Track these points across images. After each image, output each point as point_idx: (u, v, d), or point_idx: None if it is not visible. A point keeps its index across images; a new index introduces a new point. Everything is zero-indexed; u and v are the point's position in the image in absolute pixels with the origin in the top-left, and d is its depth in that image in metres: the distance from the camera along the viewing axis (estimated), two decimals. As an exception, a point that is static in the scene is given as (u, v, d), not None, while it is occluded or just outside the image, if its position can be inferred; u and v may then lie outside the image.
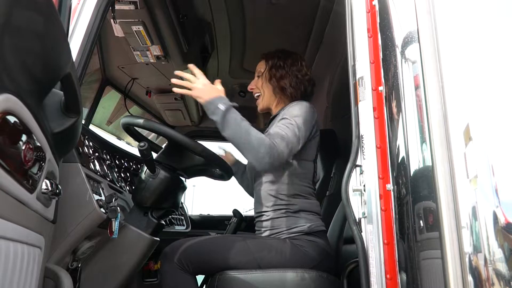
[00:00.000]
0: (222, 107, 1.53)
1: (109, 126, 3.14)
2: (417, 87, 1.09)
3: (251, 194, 2.00)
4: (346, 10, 1.38)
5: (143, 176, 1.68)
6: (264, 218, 1.74)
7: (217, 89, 1.61)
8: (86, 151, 1.49)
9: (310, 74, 1.91)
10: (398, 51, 1.17)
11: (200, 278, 1.77)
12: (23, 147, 0.75)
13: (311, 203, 1.75)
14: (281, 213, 1.69)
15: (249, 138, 1.51)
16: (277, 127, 1.63)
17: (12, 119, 0.71)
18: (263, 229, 1.73)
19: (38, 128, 0.84)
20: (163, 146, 1.86)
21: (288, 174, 1.73)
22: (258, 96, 1.92)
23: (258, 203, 1.79)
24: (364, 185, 1.20)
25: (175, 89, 1.61)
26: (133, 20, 2.10)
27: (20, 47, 0.71)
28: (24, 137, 0.77)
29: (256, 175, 1.82)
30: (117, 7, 1.97)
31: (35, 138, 0.83)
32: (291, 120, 1.65)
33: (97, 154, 1.59)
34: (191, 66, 1.65)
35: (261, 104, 1.92)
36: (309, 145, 1.74)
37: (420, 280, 0.99)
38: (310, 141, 1.75)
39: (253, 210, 1.87)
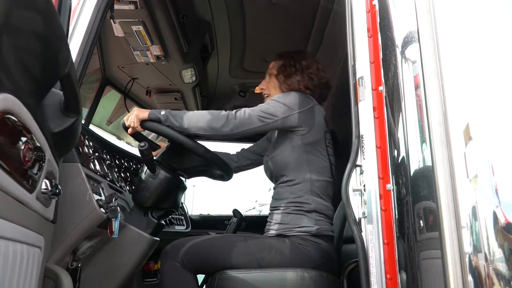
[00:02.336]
0: (163, 112, 1.68)
1: (109, 126, 3.14)
2: (417, 87, 1.09)
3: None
4: (346, 10, 1.38)
5: (143, 176, 1.68)
6: (276, 211, 1.75)
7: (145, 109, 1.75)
8: (86, 151, 1.49)
9: (326, 78, 1.91)
10: (398, 51, 1.17)
11: (200, 278, 1.77)
12: (22, 147, 0.75)
13: (326, 205, 1.74)
14: (293, 209, 1.70)
15: (200, 113, 1.65)
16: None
17: (11, 119, 0.71)
18: (273, 221, 1.74)
19: (37, 128, 0.84)
20: (163, 146, 1.87)
21: (307, 170, 1.73)
22: (267, 96, 1.91)
23: (275, 200, 1.79)
24: (364, 185, 1.20)
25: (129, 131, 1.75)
26: (133, 20, 2.10)
27: (19, 46, 0.71)
28: (23, 137, 0.77)
29: (277, 175, 1.81)
30: (117, 7, 1.97)
31: (34, 138, 0.83)
32: (271, 100, 1.74)
33: (97, 154, 1.59)
34: None
35: None
36: (307, 134, 1.74)
37: (420, 280, 0.99)
38: (309, 129, 1.74)
39: (269, 206, 1.87)
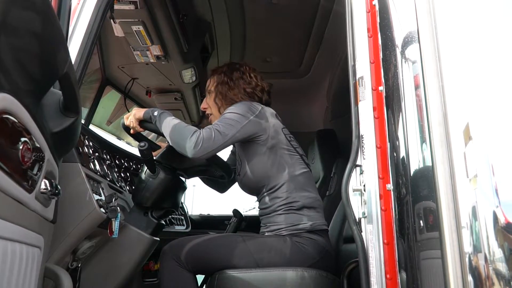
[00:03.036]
0: (156, 112, 1.71)
1: (109, 126, 3.14)
2: (417, 87, 1.09)
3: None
4: (346, 10, 1.38)
5: (143, 176, 1.67)
6: (267, 216, 1.75)
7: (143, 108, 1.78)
8: (86, 151, 1.49)
9: (262, 83, 1.89)
10: (398, 51, 1.17)
11: (200, 278, 1.77)
12: (21, 147, 0.75)
13: (313, 197, 1.75)
14: (284, 210, 1.70)
15: (179, 127, 1.62)
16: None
17: (9, 119, 0.71)
18: (268, 224, 1.74)
19: (36, 128, 0.83)
20: (163, 146, 1.87)
21: (284, 171, 1.73)
22: (211, 115, 1.92)
23: (263, 209, 1.79)
24: (364, 185, 1.20)
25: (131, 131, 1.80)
26: (133, 20, 2.10)
27: (17, 46, 0.71)
28: (22, 137, 0.76)
29: (257, 188, 1.80)
30: (117, 7, 1.97)
31: (33, 138, 0.82)
32: (228, 111, 1.71)
33: (97, 154, 1.59)
34: None
35: (212, 121, 1.89)
36: (267, 138, 1.73)
37: (420, 280, 0.99)
38: (267, 133, 1.73)
39: (258, 211, 1.87)
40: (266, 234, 1.72)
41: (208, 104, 1.93)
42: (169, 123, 1.64)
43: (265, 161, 1.73)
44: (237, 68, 1.90)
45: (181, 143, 1.58)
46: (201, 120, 3.49)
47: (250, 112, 1.70)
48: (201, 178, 2.13)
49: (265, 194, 1.76)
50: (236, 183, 2.14)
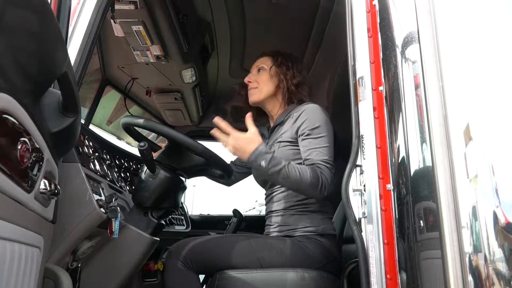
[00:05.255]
0: (263, 163, 1.51)
1: (109, 126, 3.14)
2: (417, 87, 1.09)
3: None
4: (346, 10, 1.38)
5: (143, 176, 1.67)
6: (277, 214, 1.73)
7: (250, 140, 1.55)
8: (86, 151, 1.49)
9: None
10: (398, 51, 1.17)
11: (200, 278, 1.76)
12: (19, 147, 0.75)
13: (326, 204, 1.74)
14: (298, 210, 1.69)
15: (299, 185, 1.54)
16: (313, 150, 1.63)
17: (7, 119, 0.71)
18: (275, 224, 1.73)
19: (35, 127, 0.83)
20: (163, 146, 1.86)
21: None
22: (254, 89, 1.87)
23: (276, 203, 1.77)
24: (364, 185, 1.20)
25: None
26: (133, 20, 2.10)
27: (14, 46, 0.71)
28: (20, 137, 0.76)
29: (269, 181, 1.79)
30: (117, 7, 1.97)
31: (32, 138, 0.82)
32: (318, 133, 1.66)
33: (97, 154, 1.59)
34: (217, 120, 1.58)
35: (255, 96, 1.86)
36: None
37: (420, 280, 0.99)
38: None
39: (265, 209, 1.85)
40: (272, 234, 1.71)
41: (258, 80, 1.87)
42: (286, 178, 1.53)
43: (295, 157, 1.70)
44: (296, 59, 1.92)
45: (310, 193, 1.58)
46: (201, 120, 3.49)
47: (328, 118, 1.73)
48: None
49: (283, 189, 1.73)
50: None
